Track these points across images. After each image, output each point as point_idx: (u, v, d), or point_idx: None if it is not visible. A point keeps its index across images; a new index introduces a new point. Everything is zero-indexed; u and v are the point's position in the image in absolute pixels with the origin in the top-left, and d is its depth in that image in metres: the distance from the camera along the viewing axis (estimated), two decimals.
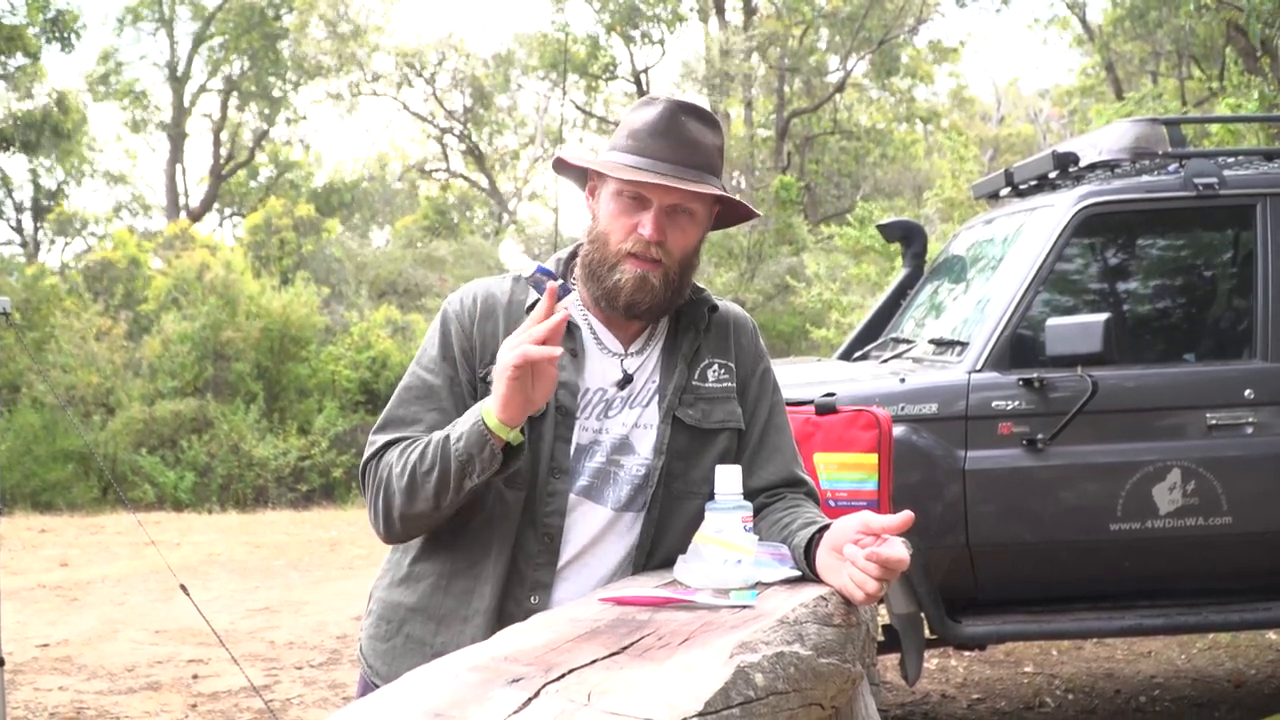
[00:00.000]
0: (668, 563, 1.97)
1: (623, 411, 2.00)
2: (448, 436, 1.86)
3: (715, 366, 2.06)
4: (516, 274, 2.09)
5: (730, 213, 2.06)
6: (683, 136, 1.94)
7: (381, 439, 1.98)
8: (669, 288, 1.96)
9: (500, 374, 1.78)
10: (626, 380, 2.01)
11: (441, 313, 2.05)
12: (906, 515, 1.68)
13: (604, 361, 2.02)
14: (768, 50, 23.06)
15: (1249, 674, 5.35)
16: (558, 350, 1.75)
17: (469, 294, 2.05)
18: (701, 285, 2.11)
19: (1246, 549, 4.04)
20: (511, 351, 1.76)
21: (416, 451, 1.89)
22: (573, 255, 2.11)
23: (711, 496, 1.78)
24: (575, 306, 2.04)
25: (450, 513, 1.91)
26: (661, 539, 1.99)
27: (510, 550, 1.92)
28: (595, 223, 2.00)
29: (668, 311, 2.03)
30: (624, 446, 1.99)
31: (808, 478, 2.11)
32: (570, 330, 1.99)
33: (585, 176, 2.05)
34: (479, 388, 1.97)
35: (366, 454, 1.99)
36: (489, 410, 1.81)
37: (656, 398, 2.02)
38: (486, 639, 1.53)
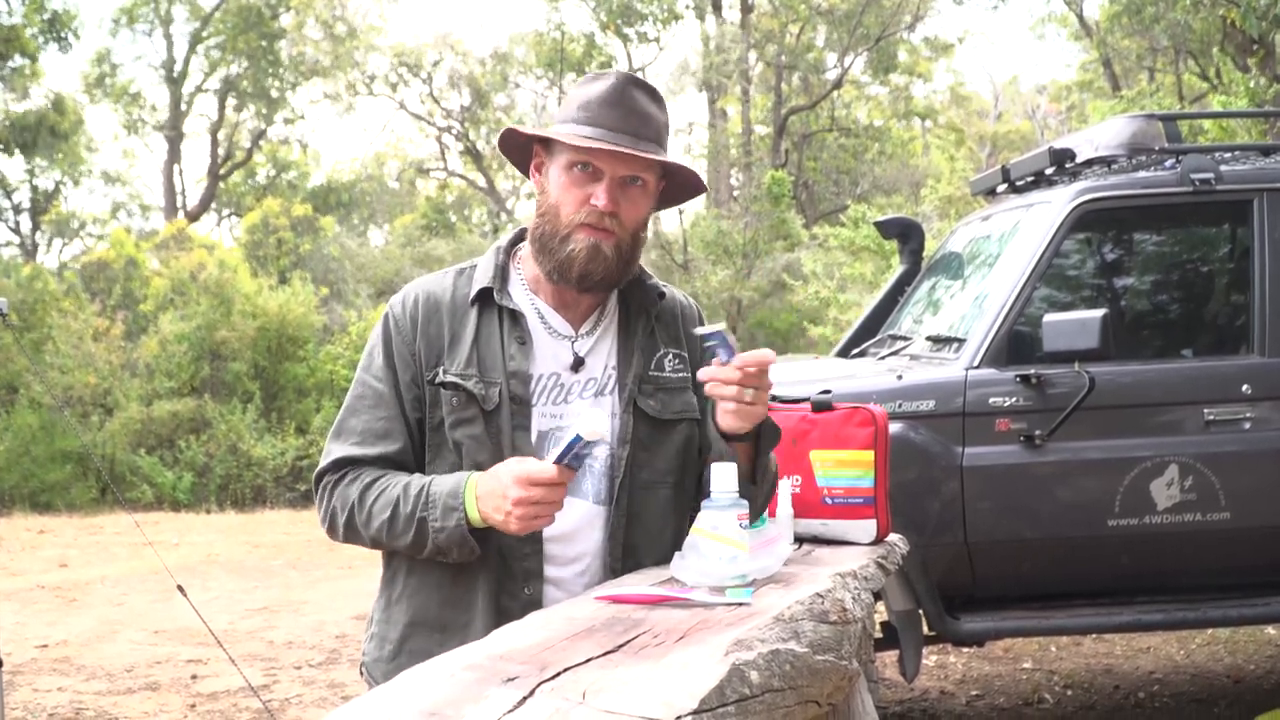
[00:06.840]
0: (641, 551, 2.00)
1: (583, 399, 2.00)
2: (425, 519, 1.88)
3: (671, 356, 2.08)
4: (460, 268, 2.09)
5: (676, 190, 2.07)
6: (634, 108, 1.95)
7: (338, 451, 1.99)
8: (621, 258, 1.97)
9: (496, 504, 1.82)
10: (579, 363, 2.01)
11: (384, 317, 2.04)
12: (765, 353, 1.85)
13: (554, 345, 2.02)
14: (765, 47, 23.05)
15: (1248, 669, 5.35)
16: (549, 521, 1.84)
17: (410, 296, 2.04)
18: (648, 270, 2.13)
19: (1244, 544, 4.03)
20: (514, 503, 1.80)
21: (386, 512, 1.91)
22: (514, 241, 2.11)
23: (706, 493, 1.78)
24: (521, 290, 2.05)
25: None
26: (634, 529, 2.00)
27: (495, 547, 1.92)
28: (545, 196, 1.98)
29: (619, 283, 2.04)
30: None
31: None
32: (516, 318, 2.00)
33: (528, 157, 2.05)
34: (428, 391, 1.98)
35: (322, 463, 2.00)
36: (473, 509, 1.86)
37: (617, 387, 2.02)
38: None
